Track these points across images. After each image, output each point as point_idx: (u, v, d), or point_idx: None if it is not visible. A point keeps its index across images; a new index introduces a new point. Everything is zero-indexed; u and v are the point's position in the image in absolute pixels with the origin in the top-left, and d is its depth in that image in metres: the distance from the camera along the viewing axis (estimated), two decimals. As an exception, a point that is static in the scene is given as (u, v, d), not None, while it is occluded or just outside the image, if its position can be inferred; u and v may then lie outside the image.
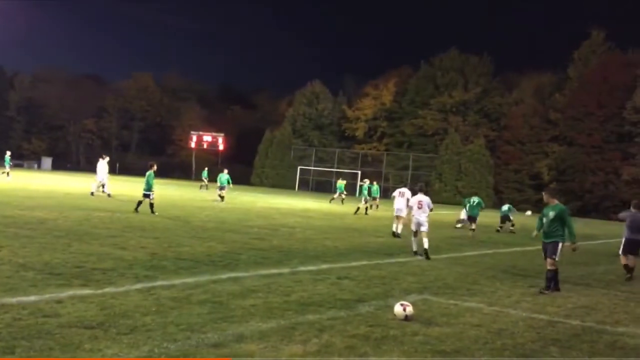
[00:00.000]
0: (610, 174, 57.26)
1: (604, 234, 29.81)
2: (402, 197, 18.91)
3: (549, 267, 10.28)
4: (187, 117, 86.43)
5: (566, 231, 10.43)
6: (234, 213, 21.73)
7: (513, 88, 68.97)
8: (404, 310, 7.15)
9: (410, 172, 67.71)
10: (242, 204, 29.41)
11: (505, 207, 30.40)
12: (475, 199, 24.33)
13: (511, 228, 27.87)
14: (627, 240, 13.02)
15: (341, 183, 41.51)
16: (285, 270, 10.19)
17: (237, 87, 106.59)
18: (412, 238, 14.22)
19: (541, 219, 10.79)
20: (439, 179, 64.83)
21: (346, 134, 77.08)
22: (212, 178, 38.87)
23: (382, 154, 72.36)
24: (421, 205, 14.18)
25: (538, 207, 60.64)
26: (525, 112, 64.07)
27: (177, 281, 8.41)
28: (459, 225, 25.49)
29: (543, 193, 11.37)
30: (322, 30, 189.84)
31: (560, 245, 10.34)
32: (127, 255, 10.38)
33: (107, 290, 7.49)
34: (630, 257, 12.94)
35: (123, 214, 18.26)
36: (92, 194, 26.10)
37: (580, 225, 40.03)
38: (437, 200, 60.70)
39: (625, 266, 12.95)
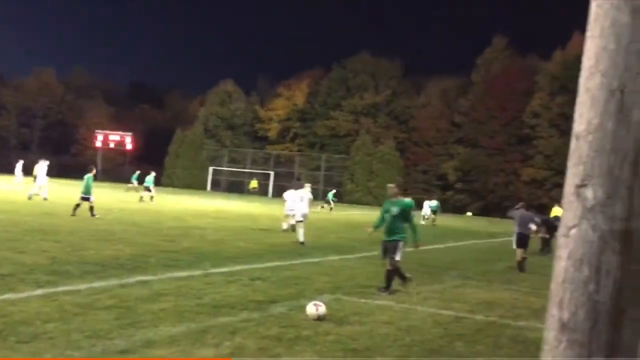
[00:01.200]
0: (510, 175, 60.25)
1: (504, 232, 31.28)
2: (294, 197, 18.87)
3: (389, 268, 9.55)
4: (92, 115, 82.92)
5: (415, 230, 9.96)
6: (143, 215, 21.12)
7: (421, 91, 71.15)
8: (317, 310, 7.20)
9: (322, 172, 68.39)
10: (152, 205, 28.64)
11: (434, 204, 33.14)
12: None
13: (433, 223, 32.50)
14: (518, 235, 14.84)
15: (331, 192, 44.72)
16: (197, 272, 10.00)
17: (147, 86, 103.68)
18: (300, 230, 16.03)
19: (383, 215, 9.99)
20: (351, 180, 65.89)
21: (259, 135, 76.77)
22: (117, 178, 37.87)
23: (295, 154, 72.63)
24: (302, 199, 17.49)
25: (444, 206, 63.00)
26: (432, 115, 66.27)
27: (81, 286, 8.06)
28: (422, 222, 29.39)
29: (388, 186, 10.58)
30: (235, 30, 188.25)
31: (401, 244, 9.68)
32: (26, 259, 9.83)
33: (5, 296, 7.08)
34: (521, 250, 14.72)
35: (23, 217, 17.30)
36: (29, 197, 25.35)
37: (484, 223, 41.96)
38: (350, 200, 61.83)
39: (519, 263, 14.59)
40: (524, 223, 14.94)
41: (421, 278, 11.56)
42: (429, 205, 35.64)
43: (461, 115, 64.79)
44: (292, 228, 18.36)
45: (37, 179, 27.08)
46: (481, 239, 21.74)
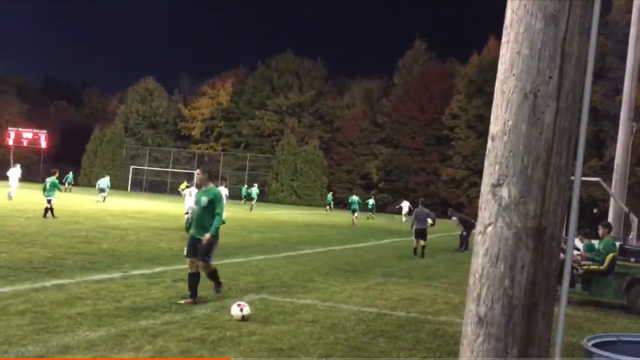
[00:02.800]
0: (431, 175, 61.95)
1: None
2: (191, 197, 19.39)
3: (201, 270, 8.22)
4: (4, 111, 78.86)
5: (216, 222, 8.25)
6: (59, 216, 20.25)
7: (345, 92, 71.97)
8: (241, 310, 7.16)
9: (247, 172, 67.94)
10: (68, 206, 27.52)
11: (356, 198, 34.59)
12: (354, 198, 35.92)
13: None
14: (416, 230, 17.54)
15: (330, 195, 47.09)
16: (116, 275, 9.70)
17: (63, 82, 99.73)
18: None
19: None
20: (276, 179, 65.82)
21: (182, 134, 75.31)
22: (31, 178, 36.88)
23: (219, 154, 71.75)
24: None
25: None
26: (356, 116, 67.20)
27: (-8, 291, 7.65)
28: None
29: (196, 173, 9.40)
30: (156, 27, 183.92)
31: (215, 242, 8.31)
32: None
33: None
34: (421, 240, 17.39)
35: None
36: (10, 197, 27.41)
37: (405, 223, 42.89)
38: (275, 200, 61.73)
39: (415, 249, 17.41)
40: (422, 219, 17.73)
41: (345, 276, 11.70)
42: (356, 200, 36.53)
43: (383, 116, 66.05)
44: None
45: (11, 182, 29.29)
46: (402, 237, 22.23)
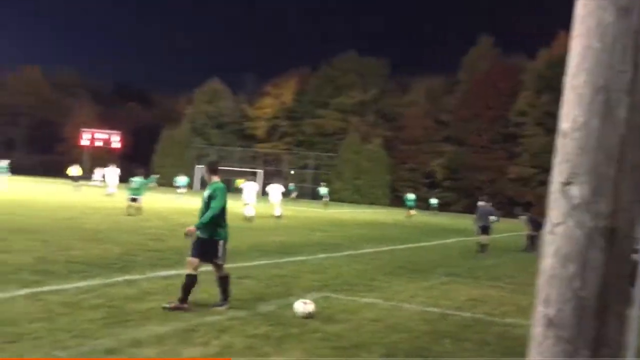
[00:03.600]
0: (497, 173, 60.56)
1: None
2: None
3: (218, 275, 7.70)
4: (79, 113, 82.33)
5: (207, 215, 7.58)
6: (132, 214, 20.97)
7: (408, 90, 71.34)
8: (305, 308, 7.20)
9: (310, 171, 68.37)
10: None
11: (413, 197, 34.55)
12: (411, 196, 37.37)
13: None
14: (479, 227, 17.94)
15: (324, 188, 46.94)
16: (184, 271, 9.92)
17: (134, 84, 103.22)
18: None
19: None
20: (339, 178, 65.93)
21: (247, 133, 76.54)
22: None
23: (283, 153, 72.54)
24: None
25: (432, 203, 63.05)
26: (419, 114, 66.49)
27: (68, 286, 7.99)
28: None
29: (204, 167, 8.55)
30: (221, 28, 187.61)
31: (221, 243, 7.72)
32: (11, 259, 9.74)
33: (-11, 297, 7.01)
34: (484, 236, 17.73)
35: (8, 215, 17.14)
36: (109, 195, 30.36)
37: (471, 221, 42.13)
38: (337, 198, 61.86)
39: (480, 245, 17.66)
40: (484, 216, 18.04)
41: (409, 275, 11.60)
42: (413, 198, 36.85)
43: (447, 113, 65.06)
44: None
45: (109, 182, 32.54)
46: (468, 237, 21.85)
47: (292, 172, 66.74)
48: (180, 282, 8.80)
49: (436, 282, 11.06)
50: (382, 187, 64.90)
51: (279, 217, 25.28)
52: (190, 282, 7.33)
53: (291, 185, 52.33)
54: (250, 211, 22.43)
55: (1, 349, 5.11)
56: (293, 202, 44.74)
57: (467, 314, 8.32)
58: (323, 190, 47.01)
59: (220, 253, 7.66)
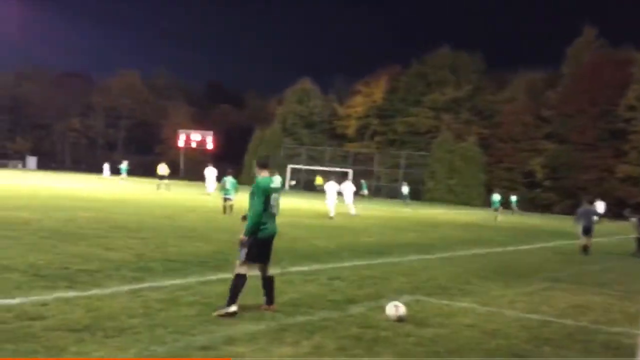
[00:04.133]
0: (604, 172, 57.29)
1: (598, 233, 29.91)
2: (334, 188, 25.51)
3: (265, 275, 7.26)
4: (174, 115, 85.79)
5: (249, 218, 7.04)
6: (222, 212, 21.54)
7: (505, 85, 69.08)
8: (397, 311, 7.05)
9: (402, 170, 67.69)
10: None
11: (498, 197, 33.75)
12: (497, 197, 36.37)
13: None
14: (582, 227, 17.74)
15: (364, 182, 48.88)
16: (275, 271, 10.00)
17: (226, 85, 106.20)
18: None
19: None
20: (432, 177, 64.85)
21: (337, 133, 76.92)
22: (200, 177, 41.37)
23: (374, 152, 72.27)
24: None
25: (531, 204, 60.83)
26: (518, 110, 64.13)
27: (165, 282, 8.26)
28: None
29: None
30: (311, 28, 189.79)
31: (245, 240, 6.93)
32: (113, 256, 10.21)
33: (93, 292, 7.34)
34: (586, 238, 17.48)
35: (109, 214, 18.06)
36: (209, 194, 32.27)
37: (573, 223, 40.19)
38: (430, 198, 60.87)
39: (583, 247, 17.45)
40: (587, 216, 17.91)
41: (506, 280, 11.14)
42: (498, 200, 36.84)
43: (549, 109, 62.33)
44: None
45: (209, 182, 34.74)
46: (571, 240, 20.78)
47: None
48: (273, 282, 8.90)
49: (536, 288, 10.54)
50: (476, 187, 63.19)
51: (355, 216, 26.14)
52: (241, 282, 6.83)
53: (363, 183, 53.50)
54: (352, 210, 25.87)
55: (104, 343, 5.31)
56: (367, 200, 45.81)
57: (570, 322, 7.86)
58: (405, 189, 49.31)
59: (242, 252, 6.91)
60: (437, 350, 5.96)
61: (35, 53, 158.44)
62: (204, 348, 5.41)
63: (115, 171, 46.09)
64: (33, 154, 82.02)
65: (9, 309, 6.21)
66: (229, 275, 9.16)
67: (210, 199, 28.96)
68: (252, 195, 7.05)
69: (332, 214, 23.84)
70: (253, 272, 7.02)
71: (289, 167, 71.26)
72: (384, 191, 69.07)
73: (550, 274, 12.48)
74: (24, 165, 77.66)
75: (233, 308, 6.66)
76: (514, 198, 39.94)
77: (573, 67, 62.57)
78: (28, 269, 8.48)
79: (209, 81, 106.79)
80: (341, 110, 76.54)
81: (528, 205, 56.10)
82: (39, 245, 10.77)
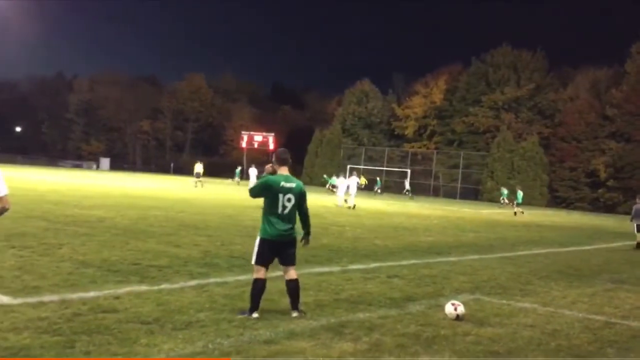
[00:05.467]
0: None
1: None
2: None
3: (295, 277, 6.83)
4: (238, 117, 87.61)
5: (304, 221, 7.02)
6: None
7: (568, 83, 67.06)
8: (455, 309, 7.08)
9: (460, 170, 66.75)
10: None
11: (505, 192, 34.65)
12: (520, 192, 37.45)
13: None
14: (637, 225, 18.71)
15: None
16: (336, 268, 10.22)
17: (288, 87, 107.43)
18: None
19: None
20: (491, 177, 63.67)
21: (396, 133, 76.53)
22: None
23: (432, 152, 71.54)
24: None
25: (594, 205, 58.88)
26: (581, 108, 62.18)
27: (229, 278, 8.56)
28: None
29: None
30: (370, 30, 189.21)
31: (259, 240, 6.78)
32: (181, 252, 10.63)
33: (162, 286, 7.69)
34: None
35: (177, 213, 18.68)
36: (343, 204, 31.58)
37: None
38: (490, 198, 59.75)
39: (638, 244, 18.52)
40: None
41: (568, 280, 10.96)
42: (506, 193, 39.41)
43: (613, 107, 60.18)
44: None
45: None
46: (634, 240, 20.11)
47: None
48: (331, 280, 9.09)
49: (600, 289, 10.32)
50: (538, 187, 61.68)
51: (342, 206, 28.93)
52: (255, 287, 6.64)
53: (377, 181, 56.99)
54: (351, 201, 28.75)
55: (172, 336, 5.58)
56: (378, 197, 47.73)
57: (635, 323, 7.69)
58: (407, 184, 55.51)
59: (255, 251, 6.72)
60: (496, 349, 5.97)
61: (107, 60, 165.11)
62: (267, 342, 5.58)
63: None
64: (106, 156, 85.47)
65: (84, 302, 6.57)
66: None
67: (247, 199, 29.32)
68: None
69: (340, 204, 28.79)
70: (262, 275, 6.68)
71: (348, 167, 71.40)
72: (442, 191, 68.32)
73: (613, 275, 12.17)
74: (97, 166, 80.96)
75: (254, 315, 6.43)
76: (520, 193, 38.09)
77: (638, 64, 60.15)
78: (102, 264, 8.95)
79: (271, 83, 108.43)
80: (400, 111, 76.14)
81: (591, 205, 54.30)
82: (112, 241, 11.31)
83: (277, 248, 6.67)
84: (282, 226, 6.64)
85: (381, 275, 9.89)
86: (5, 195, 5.24)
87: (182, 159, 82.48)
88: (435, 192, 68.50)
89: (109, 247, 10.61)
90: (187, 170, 62.32)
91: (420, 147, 73.83)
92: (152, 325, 5.85)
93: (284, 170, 6.77)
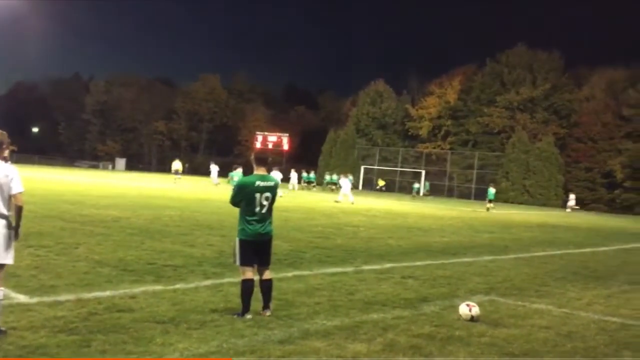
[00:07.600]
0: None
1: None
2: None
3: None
4: (252, 117, 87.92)
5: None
6: (297, 212, 21.94)
7: (584, 84, 66.46)
8: (470, 310, 7.06)
9: (475, 170, 66.42)
10: (306, 203, 29.66)
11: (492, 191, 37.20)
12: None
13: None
14: None
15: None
16: (350, 269, 10.23)
17: (302, 88, 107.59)
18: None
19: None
20: (506, 178, 63.31)
21: (410, 133, 76.28)
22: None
23: (447, 152, 71.26)
24: None
25: (611, 206, 58.35)
26: (597, 109, 61.64)
27: (243, 278, 8.58)
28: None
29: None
30: (384, 30, 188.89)
31: (237, 241, 6.69)
32: (196, 252, 10.69)
33: (177, 286, 7.74)
34: None
35: (192, 213, 18.78)
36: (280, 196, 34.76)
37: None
38: (505, 199, 59.40)
39: None
40: None
41: (584, 282, 10.87)
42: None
43: (631, 107, 59.56)
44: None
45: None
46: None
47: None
48: (345, 280, 9.10)
49: (616, 290, 10.23)
50: (553, 188, 61.22)
51: (350, 203, 30.86)
52: (244, 288, 6.58)
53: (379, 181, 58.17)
54: (346, 199, 31.69)
55: (187, 335, 5.62)
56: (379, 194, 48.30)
57: (652, 326, 7.62)
58: (416, 185, 56.57)
59: (234, 252, 6.70)
60: (511, 351, 5.95)
61: (123, 62, 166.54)
62: (282, 342, 5.60)
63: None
64: (122, 156, 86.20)
65: (99, 301, 6.64)
66: (305, 272, 9.48)
67: (282, 199, 29.43)
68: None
69: (348, 200, 31.61)
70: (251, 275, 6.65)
71: (362, 167, 71.31)
72: (457, 191, 68.05)
73: (629, 277, 12.05)
74: (113, 167, 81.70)
75: (247, 316, 6.41)
76: (491, 191, 37.59)
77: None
78: (118, 263, 9.03)
79: (285, 83, 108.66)
80: (414, 111, 75.90)
81: (609, 206, 53.82)
82: (128, 241, 11.41)
83: (256, 249, 6.69)
84: (260, 226, 6.68)
85: (395, 275, 9.88)
86: (20, 192, 5.39)
87: (196, 160, 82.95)
88: (449, 193, 68.20)
89: (124, 246, 10.69)
90: (201, 171, 62.69)
91: (434, 148, 73.54)
92: (167, 325, 5.89)
93: (261, 170, 6.81)
